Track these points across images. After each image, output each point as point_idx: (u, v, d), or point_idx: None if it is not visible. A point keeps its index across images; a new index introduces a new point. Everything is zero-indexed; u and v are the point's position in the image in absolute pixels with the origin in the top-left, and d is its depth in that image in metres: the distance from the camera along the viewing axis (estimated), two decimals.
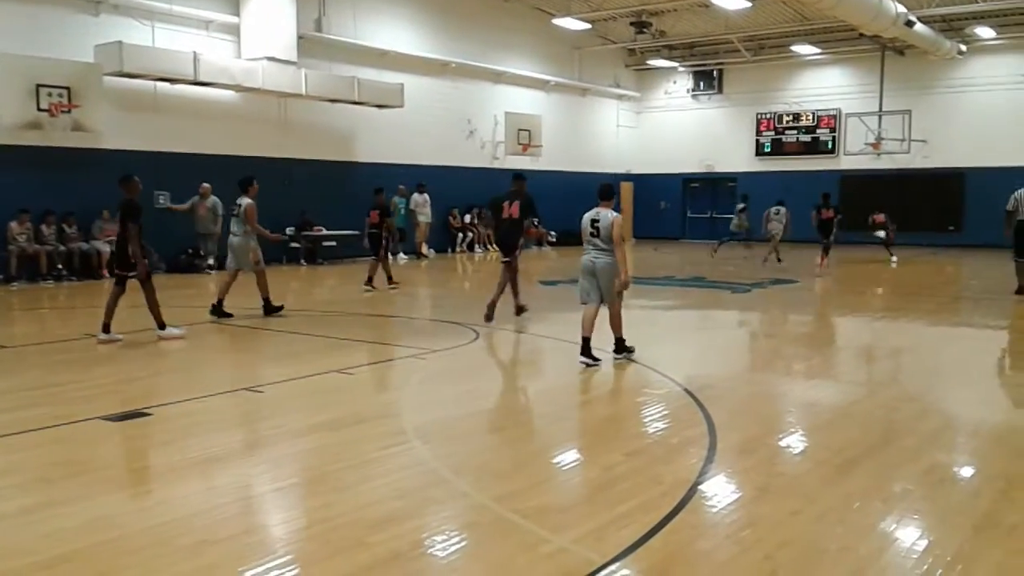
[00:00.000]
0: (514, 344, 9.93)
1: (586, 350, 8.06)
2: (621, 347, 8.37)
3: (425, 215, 22.41)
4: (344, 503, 4.58)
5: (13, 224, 15.43)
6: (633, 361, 8.40)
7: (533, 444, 5.85)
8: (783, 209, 20.84)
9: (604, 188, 8.37)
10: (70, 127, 15.58)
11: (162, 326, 9.62)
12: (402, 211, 21.21)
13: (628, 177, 31.66)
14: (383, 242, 14.60)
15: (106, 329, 9.46)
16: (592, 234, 8.13)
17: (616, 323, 8.34)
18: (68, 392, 7.26)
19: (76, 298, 14.33)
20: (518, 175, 11.49)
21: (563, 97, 28.45)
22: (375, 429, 6.13)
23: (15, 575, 3.69)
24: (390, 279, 14.75)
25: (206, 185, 17.54)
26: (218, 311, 11.20)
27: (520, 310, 11.18)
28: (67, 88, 15.46)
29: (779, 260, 20.29)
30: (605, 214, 8.15)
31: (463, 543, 4.15)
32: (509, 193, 11.22)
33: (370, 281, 14.46)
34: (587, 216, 8.25)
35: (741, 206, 23.44)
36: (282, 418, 6.36)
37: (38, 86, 15.14)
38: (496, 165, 25.82)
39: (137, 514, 4.43)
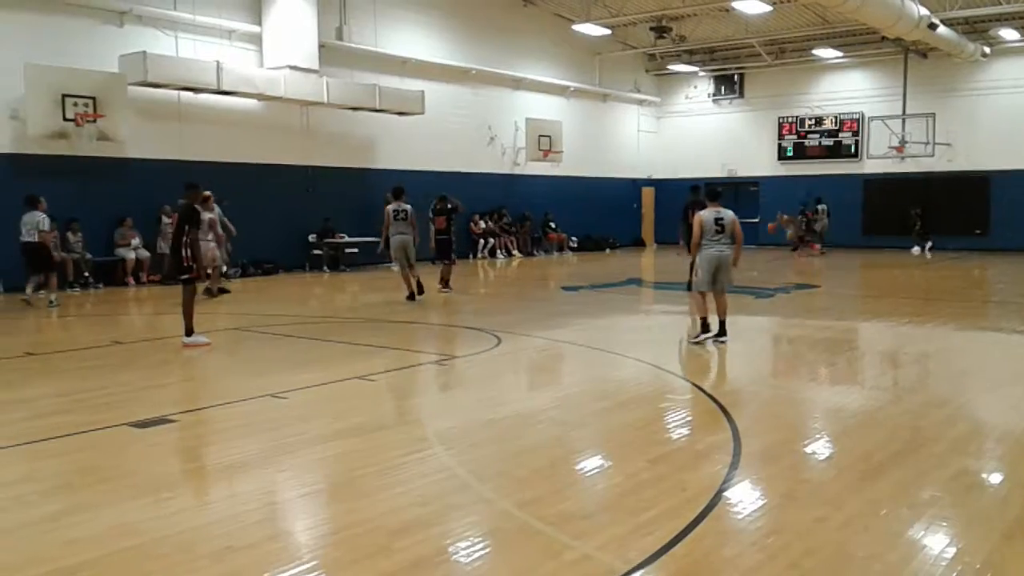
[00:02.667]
0: (536, 350, 9.91)
1: (707, 328, 9.48)
2: (725, 330, 9.48)
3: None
4: (367, 509, 4.58)
5: None
6: (657, 367, 8.35)
7: (556, 450, 5.82)
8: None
9: (713, 191, 9.68)
10: (95, 136, 15.75)
11: (189, 332, 9.70)
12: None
13: (649, 182, 31.58)
14: (453, 246, 15.50)
15: (189, 333, 9.71)
16: (718, 231, 9.30)
17: (727, 308, 9.58)
18: (94, 399, 7.33)
19: (102, 305, 14.47)
20: (694, 186, 14.42)
21: (583, 103, 28.43)
22: (398, 435, 6.13)
23: None
24: (446, 283, 15.37)
25: (207, 193, 17.44)
26: (446, 284, 14.91)
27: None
28: (92, 98, 15.64)
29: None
30: (726, 212, 9.41)
31: (486, 549, 4.13)
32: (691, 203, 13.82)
33: (446, 284, 15.32)
34: (709, 215, 9.38)
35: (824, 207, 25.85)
36: (305, 424, 6.38)
37: (64, 96, 15.32)
38: (517, 171, 25.85)
39: (161, 520, 4.45)
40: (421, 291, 14.02)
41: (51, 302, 13.29)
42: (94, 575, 3.81)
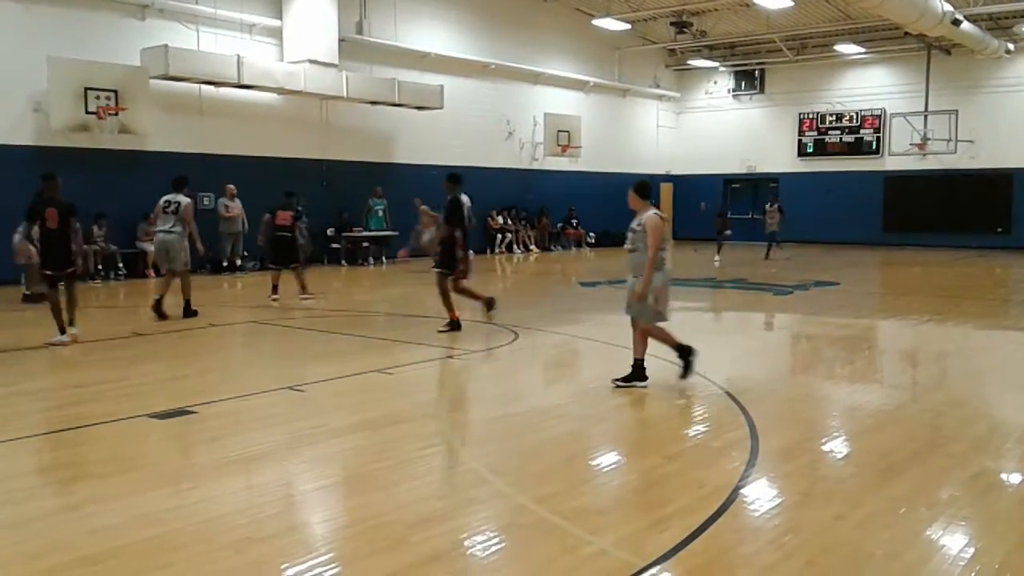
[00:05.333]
0: (553, 345, 9.91)
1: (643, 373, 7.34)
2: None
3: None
4: (385, 502, 4.61)
5: None
6: (674, 363, 8.34)
7: (572, 446, 5.83)
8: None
9: (647, 186, 7.35)
10: (117, 129, 15.88)
11: (63, 331, 9.38)
12: (380, 214, 20.78)
13: (668, 178, 31.48)
14: (297, 246, 13.28)
15: (62, 331, 9.34)
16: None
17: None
18: (115, 389, 7.40)
19: (123, 297, 14.59)
20: (453, 175, 10.54)
21: (603, 98, 28.36)
22: (415, 429, 6.16)
23: (63, 570, 3.77)
24: (303, 288, 13.27)
25: (231, 186, 17.72)
26: (303, 290, 13.17)
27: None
28: (114, 91, 15.76)
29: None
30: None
31: (503, 544, 4.15)
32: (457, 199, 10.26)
33: (304, 289, 13.24)
34: (659, 220, 7.14)
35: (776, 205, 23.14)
36: (323, 417, 6.42)
37: (86, 89, 15.44)
38: (535, 166, 25.84)
39: (182, 510, 4.49)
40: (161, 312, 10.99)
41: None
42: (117, 564, 3.85)
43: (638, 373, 7.30)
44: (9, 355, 8.92)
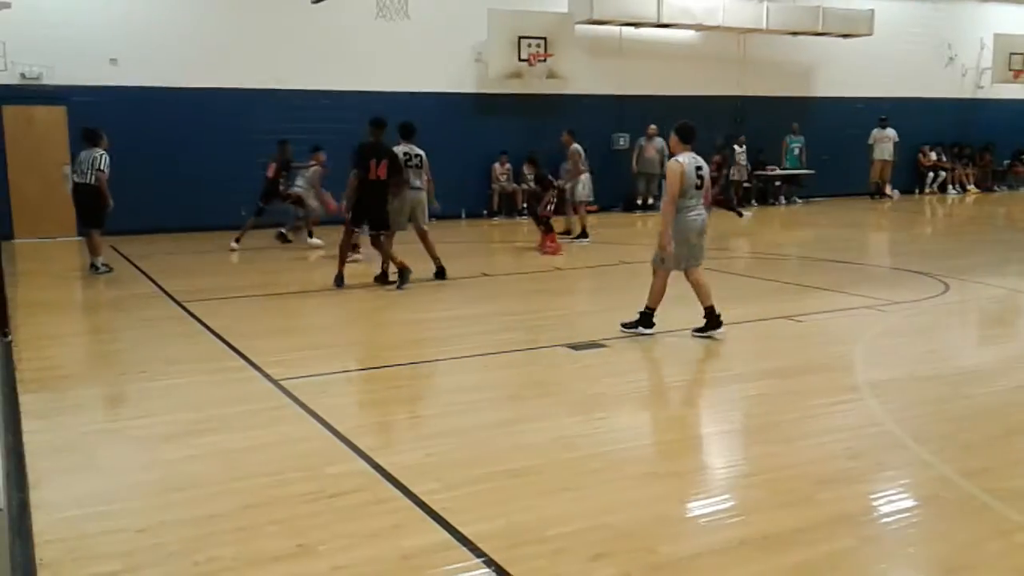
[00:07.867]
0: (990, 300, 8.79)
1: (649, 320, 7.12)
2: (718, 319, 7.02)
3: (885, 152, 20.62)
4: (790, 455, 4.47)
5: (496, 165, 17.31)
6: None
7: (1012, 418, 5.14)
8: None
9: (687, 128, 6.92)
10: (545, 75, 16.97)
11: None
12: (796, 152, 19.56)
13: None
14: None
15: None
16: (697, 186, 6.84)
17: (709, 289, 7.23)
18: (535, 320, 8.04)
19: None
20: (376, 120, 9.36)
21: None
22: (825, 382, 5.86)
23: (490, 479, 4.19)
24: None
25: (653, 127, 17.96)
26: None
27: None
28: (543, 38, 16.82)
29: None
30: (700, 160, 6.95)
31: (921, 516, 3.83)
32: (373, 146, 9.24)
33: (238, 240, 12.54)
34: (690, 164, 6.77)
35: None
36: (728, 361, 6.38)
37: (519, 38, 16.67)
38: (980, 95, 22.86)
39: (593, 438, 4.77)
40: (442, 271, 10.02)
41: (95, 267, 10.78)
42: (536, 480, 4.19)
43: (712, 321, 6.96)
44: (450, 283, 10.01)
